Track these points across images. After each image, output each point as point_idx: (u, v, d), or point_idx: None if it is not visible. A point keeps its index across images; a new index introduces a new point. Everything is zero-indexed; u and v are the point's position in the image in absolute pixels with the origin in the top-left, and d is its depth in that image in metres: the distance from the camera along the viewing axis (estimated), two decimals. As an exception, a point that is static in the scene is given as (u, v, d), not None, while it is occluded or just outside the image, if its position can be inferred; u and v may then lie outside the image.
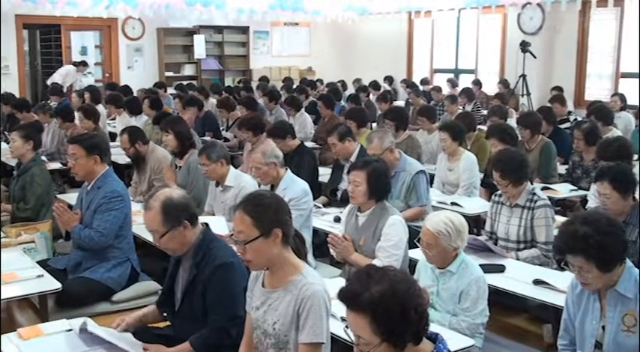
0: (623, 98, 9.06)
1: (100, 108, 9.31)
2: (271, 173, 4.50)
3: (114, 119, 9.76)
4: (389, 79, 14.27)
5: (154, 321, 3.22)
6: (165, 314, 3.20)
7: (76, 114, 7.86)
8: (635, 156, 5.46)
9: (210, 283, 2.92)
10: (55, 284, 3.68)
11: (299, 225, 4.16)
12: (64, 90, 11.74)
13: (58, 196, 5.82)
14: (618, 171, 3.83)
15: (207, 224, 3.13)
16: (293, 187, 4.40)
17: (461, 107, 10.04)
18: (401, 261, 3.68)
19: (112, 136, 8.92)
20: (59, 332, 3.03)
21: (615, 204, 3.79)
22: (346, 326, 2.03)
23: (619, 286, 2.62)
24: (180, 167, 5.58)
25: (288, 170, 4.64)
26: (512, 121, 8.03)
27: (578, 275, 2.61)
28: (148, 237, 3.87)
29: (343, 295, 2.00)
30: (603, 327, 2.68)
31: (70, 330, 3.01)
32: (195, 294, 2.97)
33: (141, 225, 3.97)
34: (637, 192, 3.91)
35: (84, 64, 13.21)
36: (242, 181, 4.74)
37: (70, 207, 4.57)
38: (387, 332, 1.92)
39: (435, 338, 2.08)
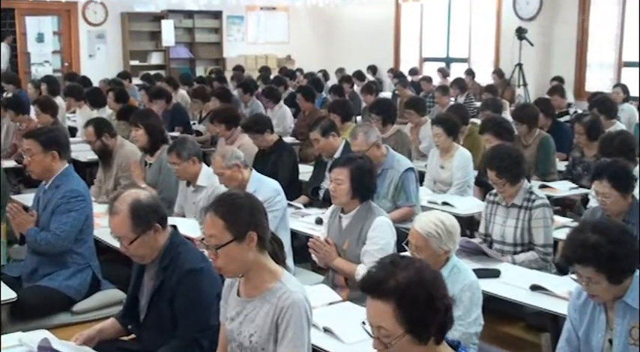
0: (625, 89, 9.15)
1: (59, 100, 9.23)
2: (236, 176, 4.48)
3: (74, 112, 9.66)
4: (372, 69, 14.29)
5: (115, 336, 3.20)
6: (129, 327, 3.18)
7: (32, 108, 7.78)
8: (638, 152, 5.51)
9: (179, 290, 2.91)
10: (9, 294, 3.63)
11: (275, 226, 4.15)
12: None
13: (13, 197, 5.76)
14: (617, 168, 3.84)
15: (174, 226, 3.11)
16: (263, 188, 4.38)
17: (452, 99, 10.08)
18: (388, 266, 3.68)
19: (72, 131, 8.85)
20: (14, 346, 3.00)
21: (615, 203, 3.82)
22: (363, 322, 2.05)
23: (627, 297, 2.63)
24: (150, 164, 5.55)
25: (253, 170, 4.63)
26: (506, 114, 8.07)
27: (586, 287, 2.63)
28: (111, 241, 3.85)
29: (366, 282, 2.02)
30: (610, 341, 2.69)
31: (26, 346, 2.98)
32: (161, 303, 2.96)
33: (103, 228, 3.94)
34: (636, 190, 3.95)
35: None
36: (215, 181, 4.72)
37: (26, 208, 4.52)
38: (412, 322, 1.95)
39: (457, 346, 2.11)
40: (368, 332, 2.05)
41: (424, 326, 1.96)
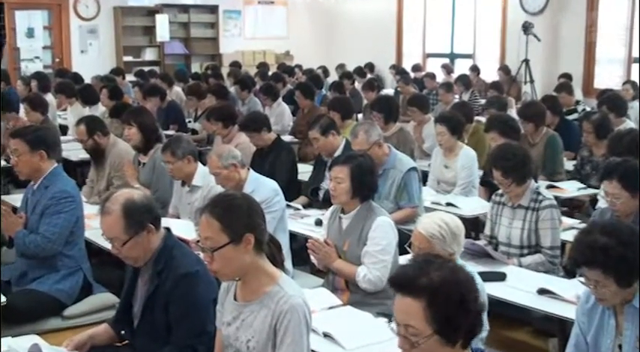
0: (635, 86, 9.15)
1: (49, 97, 9.22)
2: (233, 176, 4.48)
3: (65, 110, 9.67)
4: (369, 67, 14.22)
5: (108, 341, 3.19)
6: (123, 332, 3.17)
7: (22, 105, 7.77)
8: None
9: (174, 295, 2.90)
10: (-3, 298, 3.64)
11: (273, 228, 4.15)
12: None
13: (2, 198, 5.75)
14: (627, 168, 3.83)
15: (168, 228, 3.11)
16: (261, 189, 4.38)
17: (457, 96, 10.08)
18: (390, 268, 3.67)
19: (63, 129, 8.84)
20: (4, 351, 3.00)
21: (625, 204, 3.80)
22: (390, 321, 2.05)
23: (636, 300, 2.62)
24: (143, 164, 5.54)
25: (251, 170, 4.63)
26: (512, 112, 8.07)
27: (594, 291, 2.62)
28: (103, 243, 3.84)
29: (397, 279, 2.04)
30: (620, 346, 2.68)
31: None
32: (156, 308, 2.95)
33: (95, 230, 3.93)
34: None
35: None
36: (211, 181, 4.72)
37: (15, 209, 4.51)
38: (443, 322, 1.96)
39: None
40: (393, 331, 2.05)
41: (454, 327, 1.97)
